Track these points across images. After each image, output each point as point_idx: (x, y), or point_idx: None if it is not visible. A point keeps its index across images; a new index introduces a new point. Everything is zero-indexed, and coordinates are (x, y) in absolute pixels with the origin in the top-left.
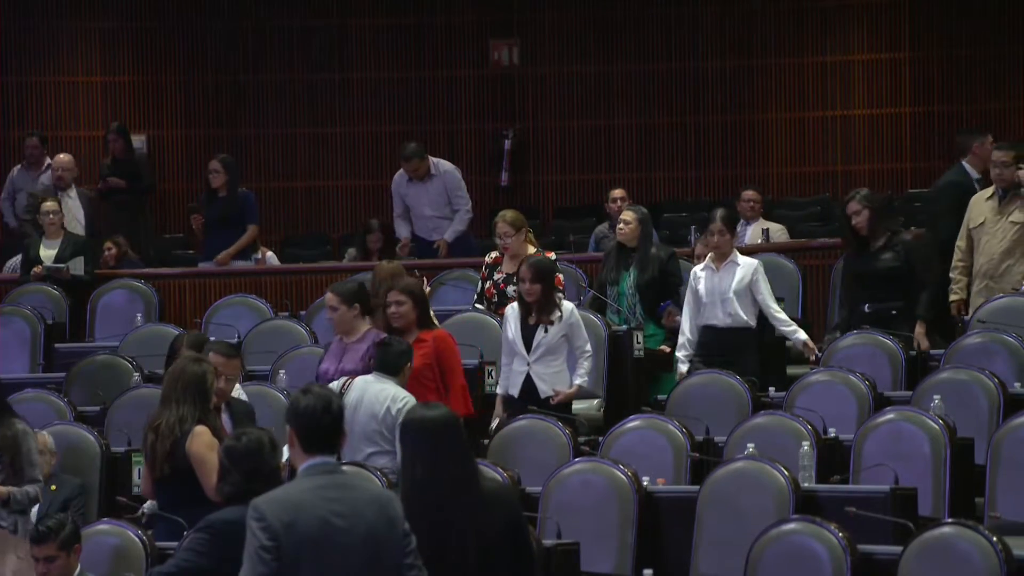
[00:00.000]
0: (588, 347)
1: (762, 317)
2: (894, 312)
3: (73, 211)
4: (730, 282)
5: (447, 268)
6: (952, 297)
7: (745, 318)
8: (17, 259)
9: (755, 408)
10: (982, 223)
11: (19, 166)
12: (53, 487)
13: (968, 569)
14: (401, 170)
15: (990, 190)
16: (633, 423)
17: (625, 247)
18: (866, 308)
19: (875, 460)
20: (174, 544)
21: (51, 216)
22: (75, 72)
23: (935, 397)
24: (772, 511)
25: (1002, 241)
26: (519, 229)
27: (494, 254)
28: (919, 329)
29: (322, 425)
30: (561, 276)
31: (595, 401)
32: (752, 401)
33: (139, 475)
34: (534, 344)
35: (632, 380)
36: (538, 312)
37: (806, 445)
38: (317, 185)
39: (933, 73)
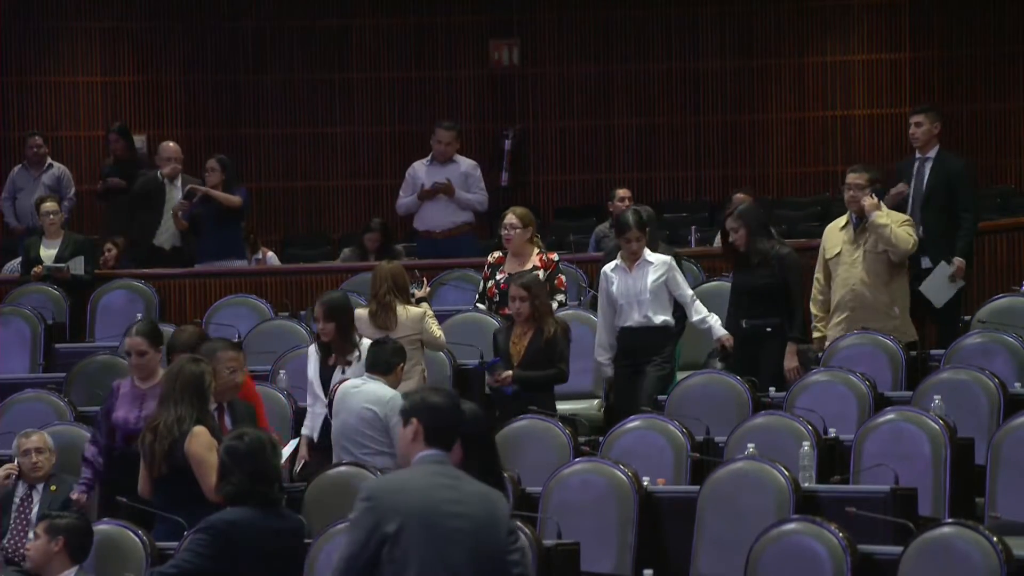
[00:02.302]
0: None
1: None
2: (769, 329)
3: (173, 202)
4: (644, 283)
5: (447, 268)
6: (815, 335)
7: (662, 317)
8: (17, 261)
9: (755, 408)
10: (838, 253)
11: (19, 166)
12: (53, 487)
13: (968, 569)
14: (420, 160)
15: (844, 219)
16: (633, 423)
17: None
18: (743, 324)
19: (875, 460)
20: (174, 544)
21: (51, 216)
22: (75, 72)
23: (935, 397)
24: (772, 511)
25: (862, 272)
26: (526, 226)
27: (497, 254)
28: (789, 348)
29: (450, 423)
30: (563, 277)
31: (595, 401)
32: (752, 401)
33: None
34: (332, 384)
35: None
36: (336, 352)
37: (806, 445)
38: (317, 185)
39: (933, 73)
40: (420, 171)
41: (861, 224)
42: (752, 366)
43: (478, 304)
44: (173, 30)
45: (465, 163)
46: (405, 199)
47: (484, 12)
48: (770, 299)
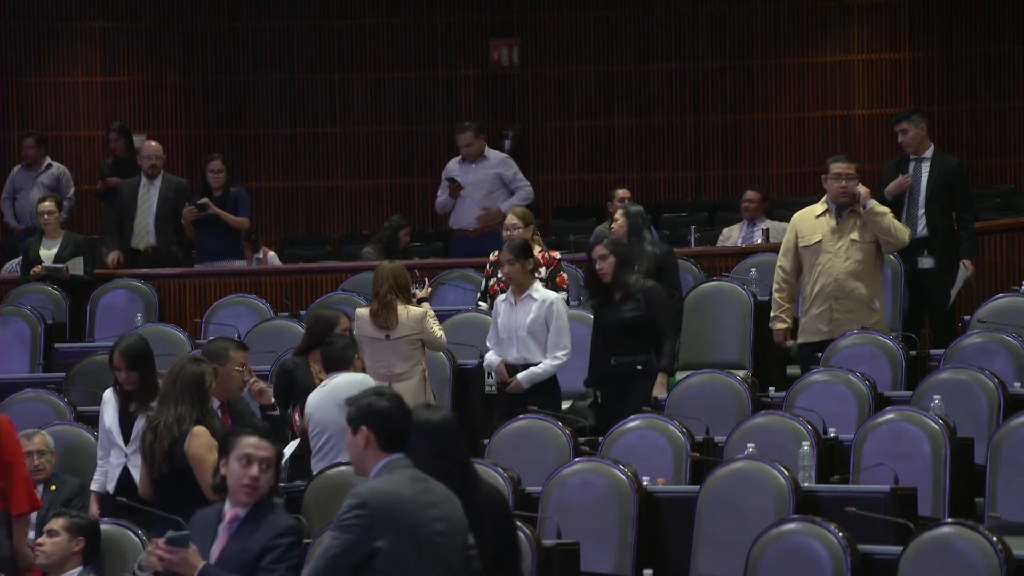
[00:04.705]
0: None
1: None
2: (639, 367)
3: (149, 200)
4: (524, 319)
5: (447, 268)
6: (779, 325)
7: (538, 358)
8: (17, 260)
9: (755, 408)
10: (818, 241)
11: (19, 166)
12: (53, 487)
13: (968, 569)
14: (453, 159)
15: (820, 207)
16: (633, 423)
17: None
18: (612, 362)
19: (875, 460)
20: None
21: (46, 216)
22: (75, 72)
23: (935, 397)
24: (772, 511)
25: (846, 262)
26: (527, 225)
27: (499, 252)
28: (659, 380)
29: (400, 426)
30: (565, 275)
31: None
32: (752, 401)
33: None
34: (133, 434)
35: None
36: (137, 399)
37: (806, 445)
38: (317, 185)
39: (933, 73)
40: (453, 169)
41: (844, 213)
42: (621, 402)
43: (480, 303)
44: (173, 30)
45: (495, 158)
46: (441, 197)
47: (484, 12)
48: (637, 334)
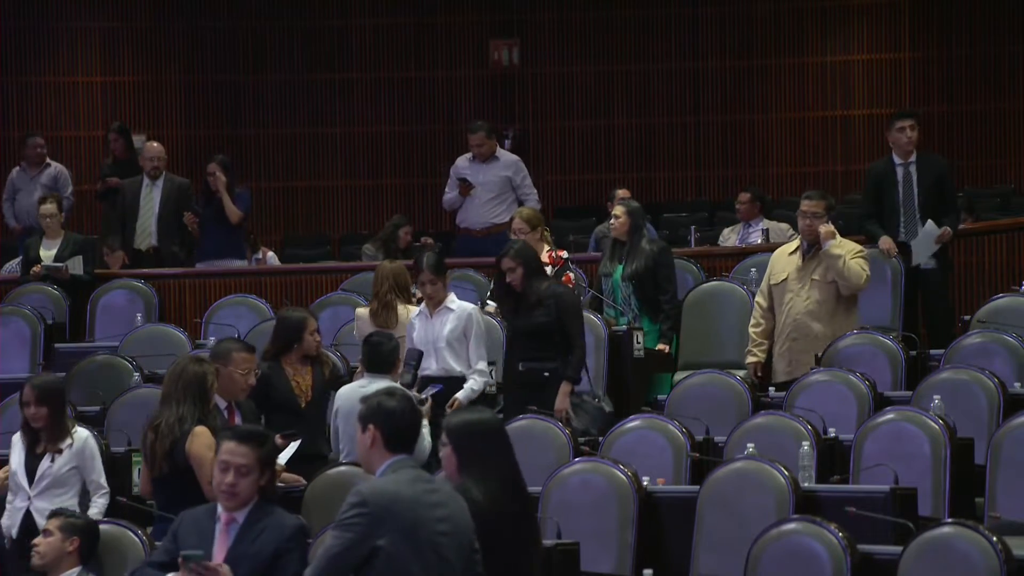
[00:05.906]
0: (103, 482)
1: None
2: (546, 373)
3: (152, 201)
4: (442, 330)
5: (450, 268)
6: (749, 359)
7: (459, 368)
8: (17, 260)
9: (755, 408)
10: (784, 280)
11: (18, 167)
12: None
13: (968, 569)
14: (462, 156)
15: (793, 244)
16: (633, 423)
17: (619, 241)
18: (520, 367)
19: (875, 460)
20: None
21: (47, 218)
22: (75, 72)
23: (935, 397)
24: (772, 511)
25: (807, 301)
26: (535, 227)
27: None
28: (563, 388)
29: (408, 427)
30: (571, 275)
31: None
32: (752, 401)
33: (139, 475)
34: (38, 475)
35: (632, 380)
36: (46, 439)
37: (806, 445)
38: (317, 185)
39: (933, 73)
40: (464, 167)
41: (811, 252)
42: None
43: (488, 300)
44: (173, 30)
45: (506, 160)
46: (449, 195)
47: (484, 12)
48: (547, 340)
